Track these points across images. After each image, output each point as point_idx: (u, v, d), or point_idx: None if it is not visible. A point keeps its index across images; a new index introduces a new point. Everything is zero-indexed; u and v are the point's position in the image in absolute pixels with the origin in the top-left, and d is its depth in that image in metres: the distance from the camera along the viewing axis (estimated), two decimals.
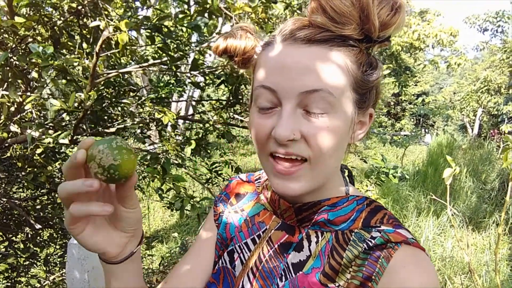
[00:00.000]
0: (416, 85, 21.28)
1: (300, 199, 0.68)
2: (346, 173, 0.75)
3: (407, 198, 6.21)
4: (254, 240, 0.74)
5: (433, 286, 0.56)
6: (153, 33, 1.68)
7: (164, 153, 2.09)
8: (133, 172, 0.53)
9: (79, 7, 1.73)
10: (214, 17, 2.03)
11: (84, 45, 2.05)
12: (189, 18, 1.86)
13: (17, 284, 2.75)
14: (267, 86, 0.59)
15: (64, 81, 1.83)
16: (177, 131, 2.52)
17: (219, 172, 2.75)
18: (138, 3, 2.19)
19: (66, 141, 1.74)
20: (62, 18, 1.79)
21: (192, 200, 1.76)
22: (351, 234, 0.63)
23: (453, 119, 20.67)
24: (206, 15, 1.96)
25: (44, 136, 1.61)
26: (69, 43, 1.89)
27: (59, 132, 1.66)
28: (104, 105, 2.00)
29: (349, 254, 0.61)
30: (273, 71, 0.59)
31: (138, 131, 2.34)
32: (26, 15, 1.67)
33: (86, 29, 1.92)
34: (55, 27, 1.76)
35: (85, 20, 1.96)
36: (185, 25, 1.69)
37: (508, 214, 5.70)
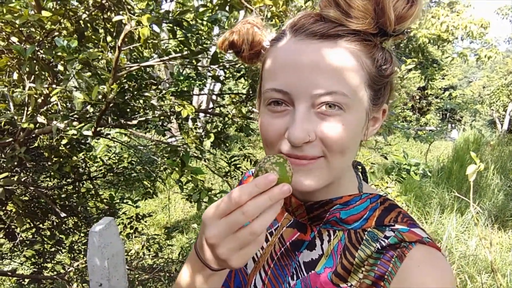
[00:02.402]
0: (443, 78, 20.62)
1: (311, 197, 0.66)
2: (360, 170, 0.73)
3: (430, 195, 6.07)
4: (266, 237, 0.73)
5: (448, 286, 0.54)
6: (174, 27, 1.69)
7: (183, 146, 2.12)
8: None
9: (103, 1, 1.76)
10: (234, 10, 2.02)
11: (108, 38, 2.09)
12: (210, 11, 1.86)
13: (43, 270, 2.87)
14: (279, 89, 0.57)
15: (89, 73, 1.87)
16: (196, 124, 2.55)
17: (238, 165, 2.77)
18: None
19: (89, 133, 1.78)
20: (87, 12, 1.83)
21: (209, 193, 1.78)
22: (364, 233, 0.62)
23: (482, 114, 19.97)
24: (227, 8, 1.96)
25: (68, 128, 1.66)
26: (93, 36, 1.93)
27: (83, 124, 1.71)
28: (126, 98, 2.03)
29: (362, 254, 0.60)
30: (285, 70, 0.57)
31: (159, 123, 2.38)
32: (53, 9, 1.72)
33: (110, 23, 1.96)
34: (80, 21, 1.80)
35: (109, 14, 1.99)
36: (205, 19, 1.69)
37: None
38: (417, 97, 20.26)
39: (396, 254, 0.57)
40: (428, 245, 0.58)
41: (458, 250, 4.61)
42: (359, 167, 0.74)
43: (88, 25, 1.92)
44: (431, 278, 0.54)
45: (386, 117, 0.66)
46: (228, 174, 2.74)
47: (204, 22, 1.87)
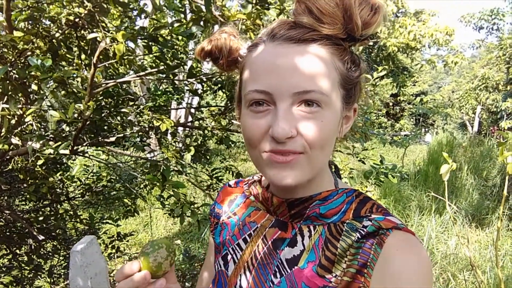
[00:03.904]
0: (414, 85, 21.31)
1: (292, 194, 0.70)
2: (333, 169, 0.78)
3: (409, 198, 6.21)
4: (245, 239, 0.76)
5: (427, 266, 0.59)
6: (149, 43, 1.70)
7: (164, 161, 2.11)
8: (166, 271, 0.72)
9: (76, 20, 1.76)
10: (209, 24, 2.06)
11: (83, 56, 2.08)
12: (184, 26, 1.89)
13: None
14: (261, 90, 0.60)
15: (63, 92, 1.85)
16: (176, 139, 2.55)
17: (220, 178, 2.76)
18: (135, 13, 2.23)
19: (66, 151, 1.76)
20: (60, 31, 1.82)
21: (192, 206, 1.78)
22: (343, 225, 0.66)
23: (453, 118, 20.69)
24: (201, 23, 1.99)
25: (44, 148, 1.63)
26: (67, 55, 1.92)
27: (59, 143, 1.68)
28: (103, 115, 2.02)
29: (343, 244, 0.64)
30: (265, 72, 0.61)
31: (138, 139, 2.36)
32: (25, 29, 1.70)
33: (84, 41, 1.95)
34: (54, 40, 1.79)
35: (82, 32, 1.99)
36: (180, 33, 1.72)
37: (511, 210, 5.70)
38: (391, 104, 20.80)
39: (376, 241, 0.61)
40: (403, 230, 0.62)
41: (439, 250, 4.71)
42: (332, 166, 0.79)
43: (62, 43, 1.91)
44: (410, 260, 0.59)
45: (357, 115, 0.71)
46: (210, 187, 2.73)
47: (180, 37, 1.90)
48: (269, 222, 0.74)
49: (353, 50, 0.66)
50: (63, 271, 2.99)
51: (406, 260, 0.58)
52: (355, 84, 0.66)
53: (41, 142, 1.76)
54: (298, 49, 0.60)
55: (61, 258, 2.94)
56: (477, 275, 2.99)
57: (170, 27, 1.75)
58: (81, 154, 2.08)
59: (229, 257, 0.77)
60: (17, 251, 2.74)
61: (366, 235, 0.62)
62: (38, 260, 2.76)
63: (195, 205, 1.90)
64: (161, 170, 1.84)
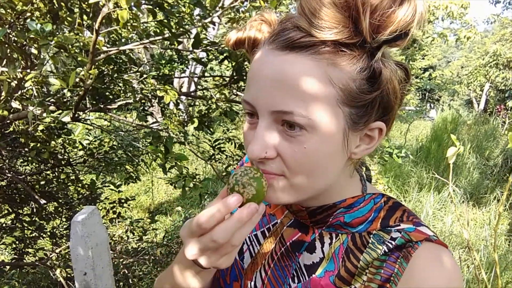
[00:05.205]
0: (423, 58, 20.84)
1: (309, 203, 0.64)
2: (364, 170, 0.70)
3: (409, 174, 6.23)
4: (264, 233, 0.72)
5: (456, 284, 0.54)
6: (154, 8, 1.63)
7: (166, 130, 2.08)
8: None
9: None
10: None
11: (84, 17, 2.00)
12: None
13: (24, 255, 2.83)
14: (246, 100, 0.55)
15: (65, 54, 1.79)
16: (179, 109, 2.50)
17: (222, 149, 2.75)
18: None
19: (67, 119, 1.73)
20: None
21: (194, 180, 1.77)
22: (369, 237, 0.60)
23: (459, 94, 20.37)
24: None
25: (45, 115, 1.60)
26: (68, 18, 1.84)
27: (60, 111, 1.65)
28: (105, 81, 1.97)
29: (367, 257, 0.58)
30: (252, 82, 0.54)
31: (140, 108, 2.32)
32: None
33: (86, 3, 1.87)
34: (54, 1, 1.71)
35: None
36: (187, 0, 1.64)
37: (509, 191, 5.73)
38: None
39: (402, 254, 0.56)
40: (435, 243, 0.57)
41: (435, 227, 4.79)
42: (363, 168, 0.70)
43: (62, 4, 1.82)
44: (438, 277, 0.53)
45: (383, 137, 0.59)
46: (212, 157, 2.72)
47: (186, 4, 1.81)
48: (287, 220, 0.70)
49: (374, 56, 0.52)
50: (65, 232, 3.05)
51: (434, 276, 0.53)
52: (370, 100, 0.53)
53: (41, 108, 1.72)
54: (285, 59, 0.50)
55: (63, 219, 2.98)
56: (471, 255, 3.04)
57: None
58: (82, 121, 2.05)
59: (245, 247, 0.73)
60: (20, 211, 2.77)
61: (394, 248, 0.57)
62: (40, 222, 2.80)
63: (197, 178, 1.90)
64: (163, 142, 1.81)
